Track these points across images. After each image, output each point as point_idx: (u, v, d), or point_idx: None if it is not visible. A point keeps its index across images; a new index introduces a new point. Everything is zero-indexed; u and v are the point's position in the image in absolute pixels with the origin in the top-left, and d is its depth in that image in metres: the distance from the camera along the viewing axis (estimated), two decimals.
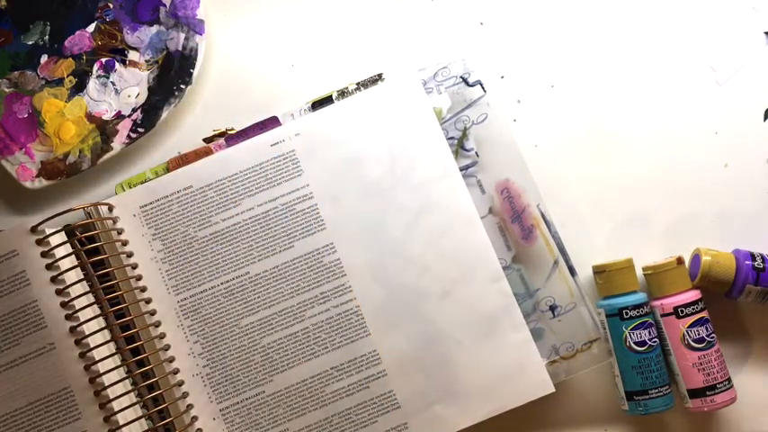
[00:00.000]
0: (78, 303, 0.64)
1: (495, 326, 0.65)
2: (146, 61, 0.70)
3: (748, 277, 0.65)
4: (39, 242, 0.65)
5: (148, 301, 0.66)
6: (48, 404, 0.64)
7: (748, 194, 0.69)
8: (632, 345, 0.65)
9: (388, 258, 0.66)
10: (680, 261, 0.66)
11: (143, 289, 0.66)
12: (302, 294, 0.66)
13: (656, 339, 0.65)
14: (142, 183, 0.67)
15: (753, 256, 0.66)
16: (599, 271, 0.67)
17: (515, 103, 0.70)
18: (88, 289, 0.65)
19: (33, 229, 0.65)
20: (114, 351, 0.65)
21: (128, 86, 0.70)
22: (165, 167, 0.68)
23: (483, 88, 0.68)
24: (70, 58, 0.70)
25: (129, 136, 0.69)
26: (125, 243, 0.66)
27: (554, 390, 0.65)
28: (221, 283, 0.66)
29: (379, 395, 0.66)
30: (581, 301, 0.66)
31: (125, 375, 0.64)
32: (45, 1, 0.70)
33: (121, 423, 0.63)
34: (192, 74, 0.69)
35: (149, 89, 0.70)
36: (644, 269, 0.67)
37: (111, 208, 0.67)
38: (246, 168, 0.67)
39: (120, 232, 0.66)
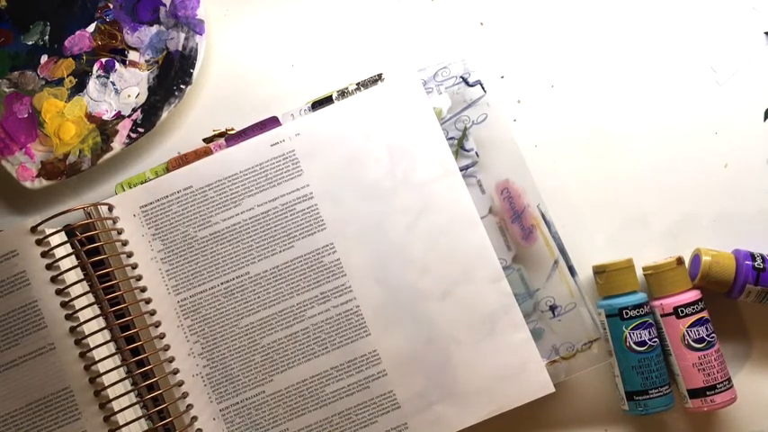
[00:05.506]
0: (78, 303, 0.64)
1: (495, 326, 0.65)
2: (146, 61, 0.70)
3: (748, 277, 0.65)
4: (39, 242, 0.65)
5: (148, 301, 0.66)
6: (47, 404, 0.64)
7: (748, 194, 0.69)
8: (632, 345, 0.65)
9: (388, 258, 0.66)
10: (680, 261, 0.66)
11: (143, 289, 0.66)
12: (302, 294, 0.66)
13: (656, 339, 0.65)
14: (142, 183, 0.67)
15: (753, 257, 0.66)
16: (599, 271, 0.67)
17: (515, 103, 0.70)
18: (88, 289, 0.65)
19: (33, 230, 0.65)
20: (114, 351, 0.65)
21: (128, 86, 0.70)
22: (164, 167, 0.68)
23: (483, 88, 0.68)
24: (70, 58, 0.70)
25: (129, 136, 0.69)
26: (125, 243, 0.66)
27: (554, 390, 0.65)
28: (221, 283, 0.66)
29: (378, 395, 0.66)
30: (581, 301, 0.66)
31: (125, 375, 0.64)
32: (45, 1, 0.70)
33: (121, 423, 0.63)
34: (191, 74, 0.69)
35: (149, 89, 0.70)
36: (644, 269, 0.67)
37: (111, 208, 0.67)
38: (246, 168, 0.67)
39: (120, 232, 0.66)
